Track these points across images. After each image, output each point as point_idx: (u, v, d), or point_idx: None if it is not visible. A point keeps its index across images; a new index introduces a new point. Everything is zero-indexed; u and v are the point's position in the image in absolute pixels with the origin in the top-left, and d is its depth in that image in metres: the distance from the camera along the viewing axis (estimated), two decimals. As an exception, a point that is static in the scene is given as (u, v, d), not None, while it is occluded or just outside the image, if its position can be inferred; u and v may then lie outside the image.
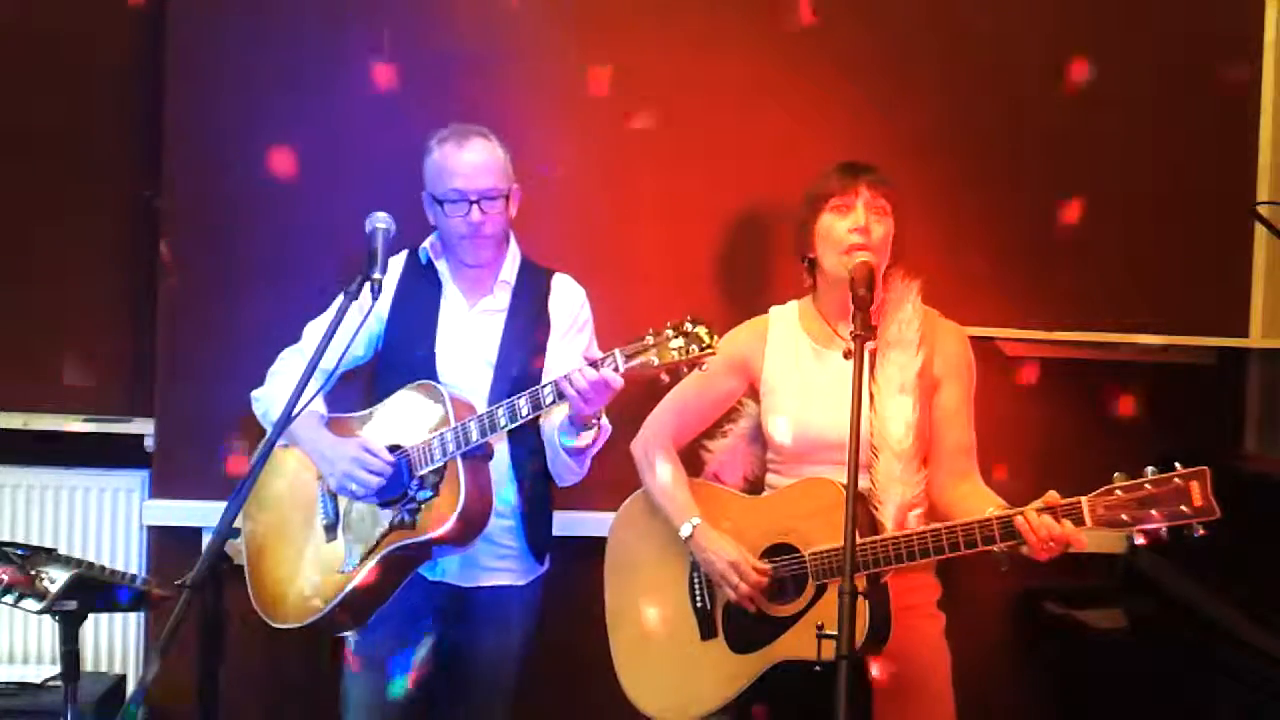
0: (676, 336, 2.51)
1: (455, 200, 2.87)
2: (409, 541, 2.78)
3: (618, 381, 2.59)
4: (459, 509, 2.72)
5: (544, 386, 2.66)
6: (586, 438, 2.79)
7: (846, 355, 2.37)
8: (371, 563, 2.80)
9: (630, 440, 2.96)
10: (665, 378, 2.57)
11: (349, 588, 2.81)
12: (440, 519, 2.74)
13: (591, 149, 3.43)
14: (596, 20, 3.42)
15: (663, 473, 2.86)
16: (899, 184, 2.75)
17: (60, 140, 3.60)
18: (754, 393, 2.89)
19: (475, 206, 2.87)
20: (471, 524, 2.78)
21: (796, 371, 2.80)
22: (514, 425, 2.72)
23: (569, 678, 3.38)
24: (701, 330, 2.51)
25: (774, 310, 2.91)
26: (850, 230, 2.66)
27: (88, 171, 3.60)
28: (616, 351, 2.58)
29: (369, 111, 3.35)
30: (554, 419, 2.83)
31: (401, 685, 2.93)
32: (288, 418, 2.44)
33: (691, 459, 2.97)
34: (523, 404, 2.68)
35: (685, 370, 2.54)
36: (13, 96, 3.58)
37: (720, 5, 3.45)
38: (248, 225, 3.38)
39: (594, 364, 2.59)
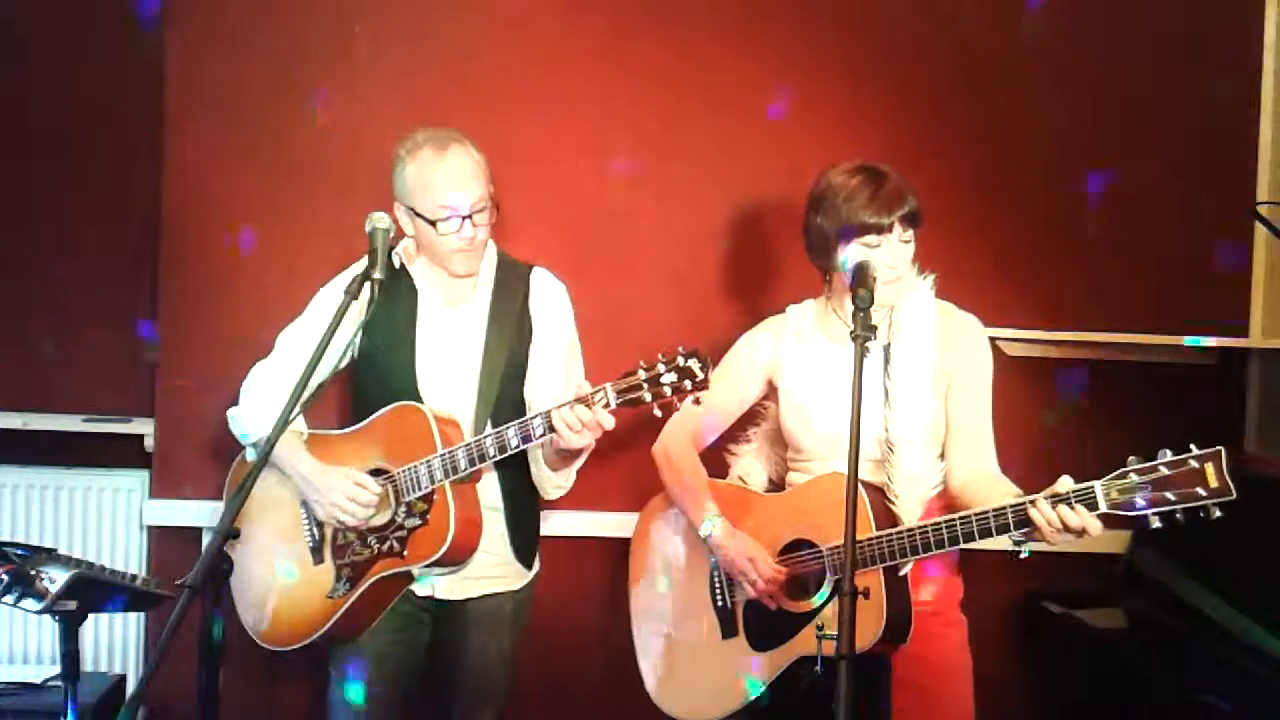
0: (669, 370, 2.48)
1: (447, 218, 2.76)
2: (398, 570, 2.76)
3: (609, 422, 2.55)
4: (449, 540, 2.70)
5: (534, 418, 2.62)
6: (576, 464, 2.79)
7: (854, 336, 2.35)
8: (361, 589, 2.78)
9: (635, 444, 2.96)
10: (658, 413, 2.53)
11: (339, 614, 2.79)
12: (431, 548, 2.72)
13: (590, 147, 3.43)
14: (592, 17, 3.43)
15: (683, 474, 2.87)
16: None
17: (61, 140, 3.60)
18: (773, 391, 2.89)
19: (468, 221, 2.77)
20: (461, 550, 2.76)
21: (815, 369, 2.80)
22: (503, 456, 2.68)
23: (560, 679, 3.38)
24: (694, 364, 2.48)
25: (791, 309, 2.90)
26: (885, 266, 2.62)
27: (88, 171, 3.61)
28: (608, 387, 2.53)
29: (366, 114, 3.36)
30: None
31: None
32: (285, 423, 2.43)
33: (715, 463, 2.96)
34: (512, 435, 2.64)
35: (678, 405, 2.51)
36: (14, 96, 3.59)
37: (722, 4, 3.45)
38: (250, 225, 3.38)
39: (585, 400, 2.54)
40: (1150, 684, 3.05)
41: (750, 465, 2.96)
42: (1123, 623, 3.31)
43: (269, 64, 3.36)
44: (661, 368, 2.49)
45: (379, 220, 2.63)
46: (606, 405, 2.54)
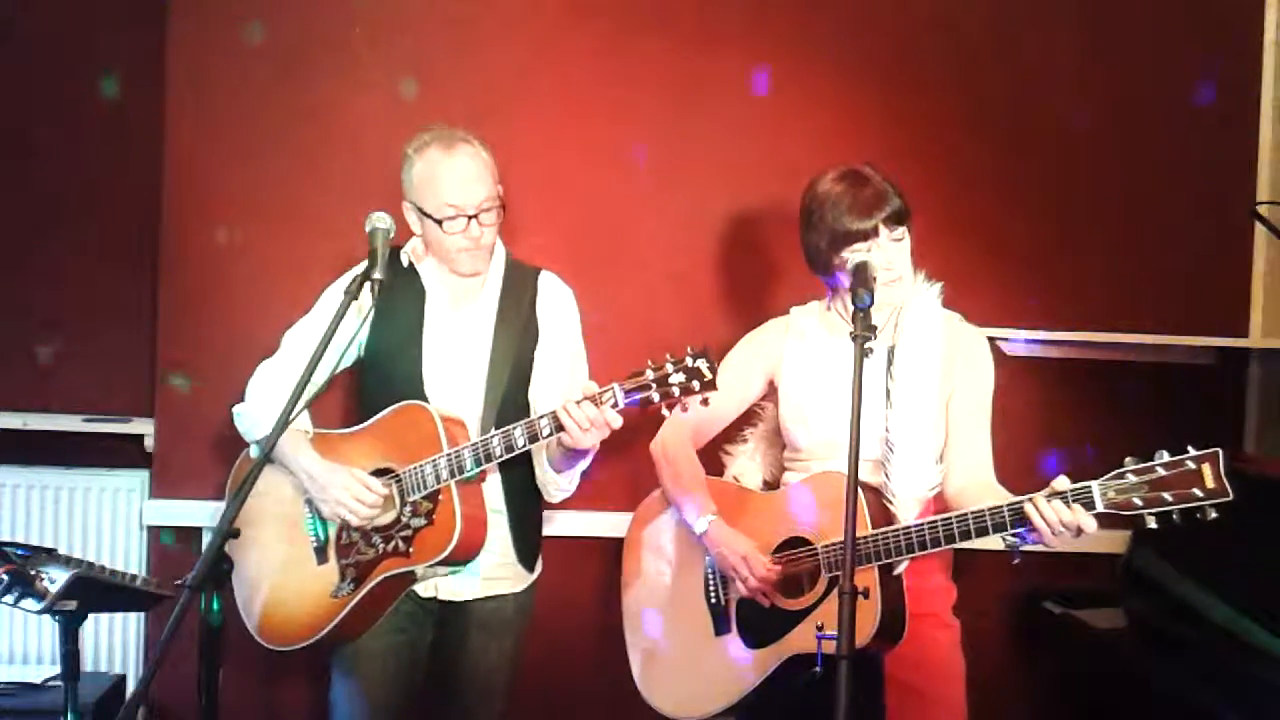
0: (677, 371, 2.48)
1: (453, 217, 2.77)
2: (403, 570, 2.76)
3: (617, 421, 2.55)
4: (455, 539, 2.69)
5: (541, 418, 2.61)
6: (580, 466, 2.79)
7: (854, 337, 2.34)
8: (365, 590, 2.77)
9: (636, 444, 2.96)
10: (666, 412, 2.53)
11: (343, 614, 2.78)
12: (435, 548, 2.71)
13: (592, 148, 3.43)
14: (594, 17, 3.43)
15: (681, 471, 2.86)
16: (897, 181, 2.70)
17: (61, 140, 3.60)
18: (772, 391, 2.89)
19: (474, 221, 2.78)
20: (467, 550, 2.75)
21: (816, 369, 2.79)
22: (509, 456, 2.67)
23: (560, 678, 3.38)
24: (702, 364, 2.48)
25: (794, 310, 2.90)
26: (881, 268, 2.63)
27: (88, 171, 3.60)
28: (616, 386, 2.53)
29: (366, 113, 3.36)
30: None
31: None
32: (286, 422, 2.42)
33: (712, 462, 2.96)
34: (519, 435, 2.63)
35: (686, 406, 2.51)
36: (14, 96, 3.59)
37: (718, 6, 3.45)
38: (250, 225, 3.38)
39: (594, 399, 2.54)
40: (1150, 684, 3.05)
41: (745, 465, 2.96)
42: (1123, 623, 3.31)
43: (270, 63, 3.37)
44: (670, 368, 2.49)
45: (379, 220, 2.63)
46: (615, 405, 2.54)
